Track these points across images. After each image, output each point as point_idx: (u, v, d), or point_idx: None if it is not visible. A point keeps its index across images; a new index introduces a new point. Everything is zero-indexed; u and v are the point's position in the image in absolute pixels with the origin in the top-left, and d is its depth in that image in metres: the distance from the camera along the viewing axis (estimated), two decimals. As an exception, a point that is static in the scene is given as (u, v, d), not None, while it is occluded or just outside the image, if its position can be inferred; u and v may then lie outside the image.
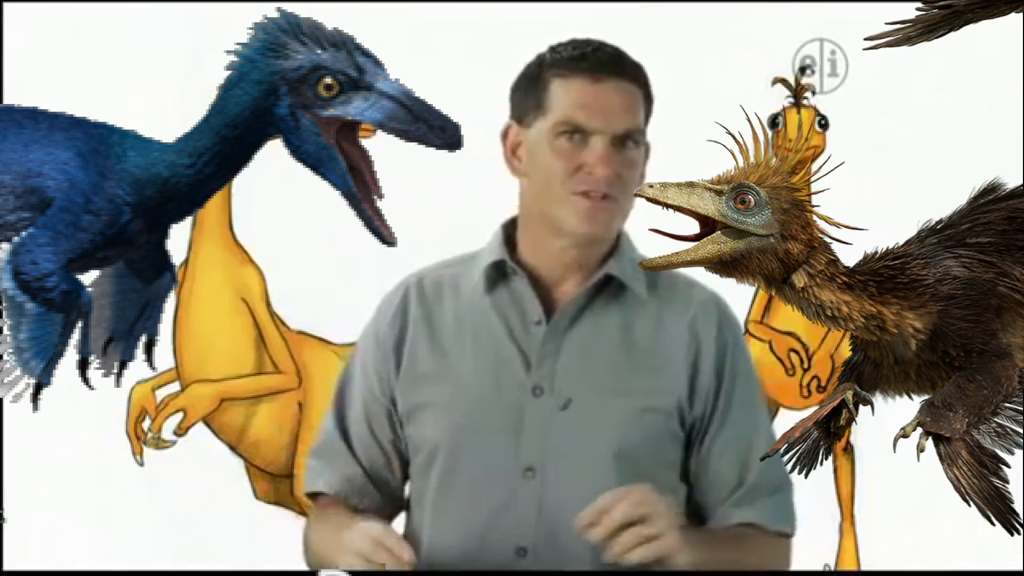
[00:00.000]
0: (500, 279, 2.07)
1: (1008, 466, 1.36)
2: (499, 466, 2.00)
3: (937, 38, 1.38)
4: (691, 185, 1.33)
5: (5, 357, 1.53)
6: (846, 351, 1.47)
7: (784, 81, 2.92)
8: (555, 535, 1.97)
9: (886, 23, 1.37)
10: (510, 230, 2.12)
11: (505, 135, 2.09)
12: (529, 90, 2.05)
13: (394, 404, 2.09)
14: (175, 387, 2.94)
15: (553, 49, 2.06)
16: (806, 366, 2.96)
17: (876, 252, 1.40)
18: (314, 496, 2.14)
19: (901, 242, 1.42)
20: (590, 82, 2.01)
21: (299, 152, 1.53)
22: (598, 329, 2.04)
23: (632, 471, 1.98)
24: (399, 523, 2.17)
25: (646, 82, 2.07)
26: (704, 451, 2.05)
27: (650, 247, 1.35)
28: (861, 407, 1.42)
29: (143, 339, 1.71)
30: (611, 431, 2.00)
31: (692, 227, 1.35)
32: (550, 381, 2.02)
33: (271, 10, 1.51)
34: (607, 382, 2.02)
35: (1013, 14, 1.38)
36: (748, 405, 2.08)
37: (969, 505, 1.34)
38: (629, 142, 2.01)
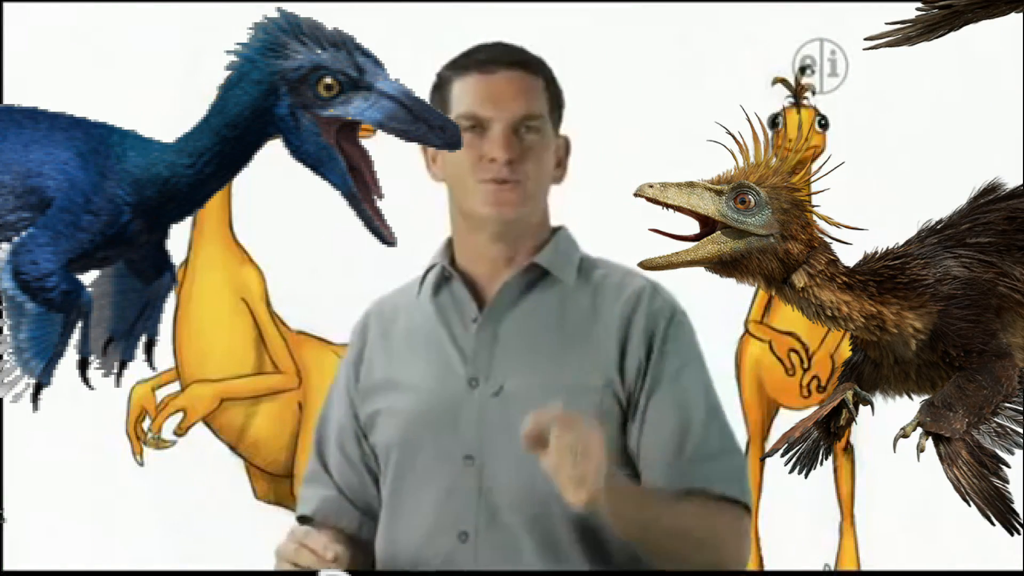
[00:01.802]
0: (443, 284, 2.13)
1: (1008, 466, 1.36)
2: (442, 459, 2.04)
3: (937, 38, 1.38)
4: (691, 185, 1.34)
5: (5, 357, 1.53)
6: (846, 351, 1.47)
7: (784, 81, 2.92)
8: (496, 518, 2.01)
9: (886, 23, 1.37)
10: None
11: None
12: (436, 98, 2.11)
13: (357, 420, 2.14)
14: (175, 387, 2.94)
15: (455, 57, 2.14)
16: (806, 366, 2.96)
17: (876, 252, 1.40)
18: (304, 521, 2.16)
19: (901, 242, 1.42)
20: (483, 74, 2.08)
21: (299, 152, 1.52)
22: (531, 320, 2.08)
23: None
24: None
25: (549, 75, 2.12)
26: (638, 424, 2.05)
27: (650, 247, 1.35)
28: (861, 407, 1.42)
29: (143, 339, 1.70)
30: None
31: (692, 227, 1.35)
32: (486, 372, 2.06)
33: (271, 10, 1.51)
34: (538, 367, 2.05)
35: (1013, 14, 1.38)
36: (683, 379, 2.06)
37: (969, 505, 1.34)
38: (530, 132, 2.06)
